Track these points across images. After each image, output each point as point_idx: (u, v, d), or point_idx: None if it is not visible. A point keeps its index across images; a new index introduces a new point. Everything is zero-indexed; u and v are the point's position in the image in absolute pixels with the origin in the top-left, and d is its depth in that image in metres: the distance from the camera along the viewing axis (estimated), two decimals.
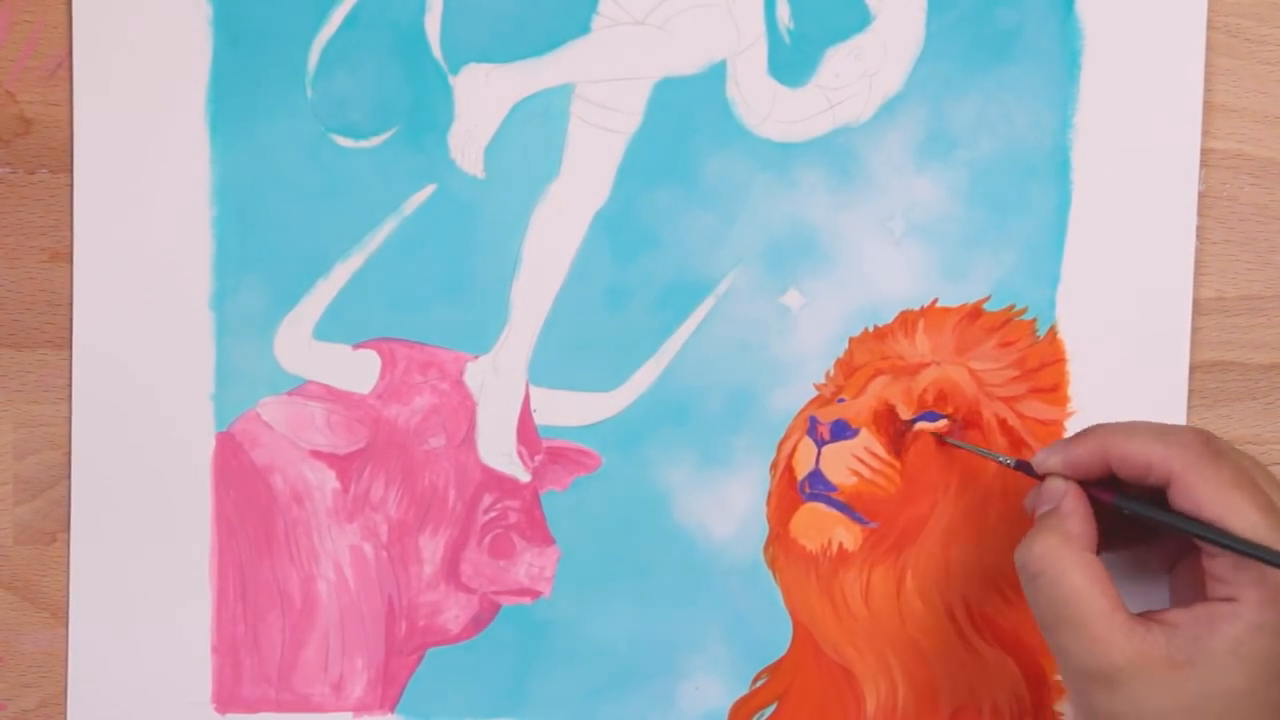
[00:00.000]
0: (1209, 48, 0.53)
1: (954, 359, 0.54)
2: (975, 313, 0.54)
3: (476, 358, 0.54)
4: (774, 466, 0.54)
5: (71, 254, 0.53)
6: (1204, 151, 0.54)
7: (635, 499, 0.54)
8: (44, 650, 0.54)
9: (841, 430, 0.54)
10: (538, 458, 0.54)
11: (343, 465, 0.54)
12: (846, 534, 0.54)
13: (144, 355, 0.53)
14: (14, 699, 0.54)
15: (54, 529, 0.54)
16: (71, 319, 0.54)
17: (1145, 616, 0.45)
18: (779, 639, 0.55)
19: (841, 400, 0.54)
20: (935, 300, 0.54)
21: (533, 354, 0.54)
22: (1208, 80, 0.54)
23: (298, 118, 0.53)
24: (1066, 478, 0.48)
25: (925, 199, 0.54)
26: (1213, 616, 0.44)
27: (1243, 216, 0.54)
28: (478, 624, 0.54)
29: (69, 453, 0.54)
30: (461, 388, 0.54)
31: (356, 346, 0.54)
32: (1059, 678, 0.54)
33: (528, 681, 0.54)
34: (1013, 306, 0.54)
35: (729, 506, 0.54)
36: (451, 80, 0.53)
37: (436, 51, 0.53)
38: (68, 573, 0.54)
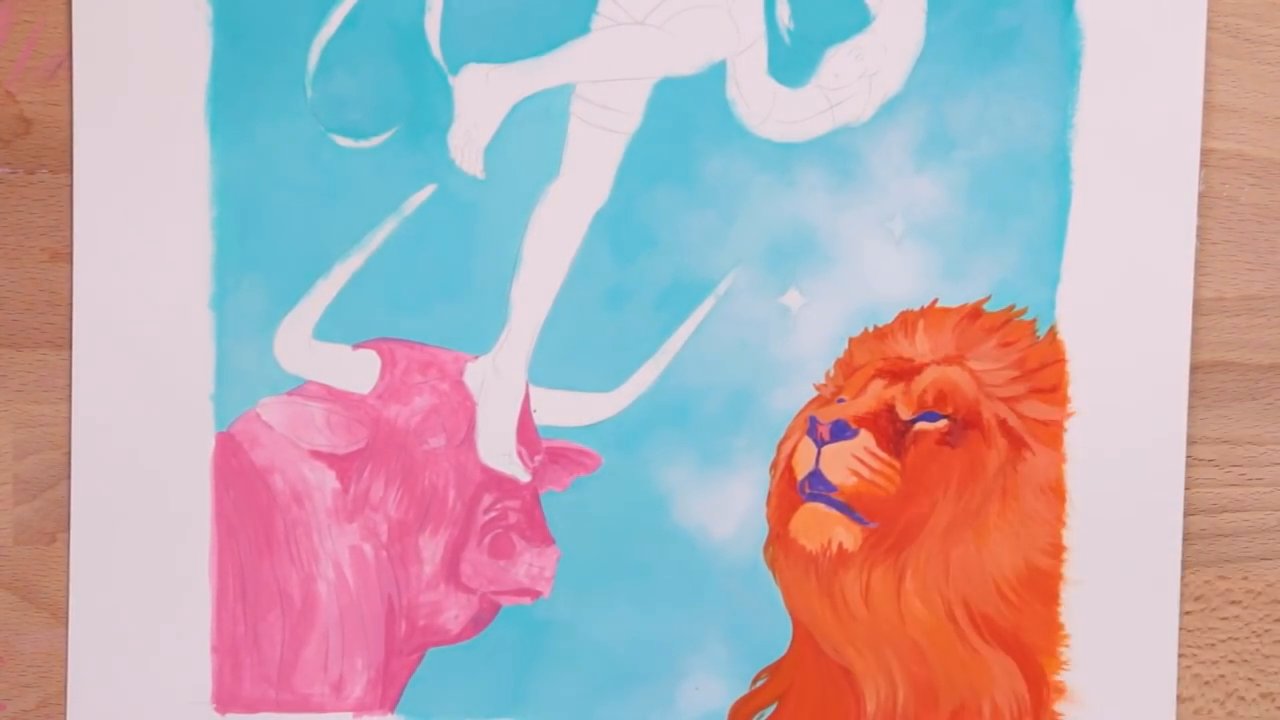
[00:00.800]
0: (1209, 48, 0.53)
1: (954, 359, 0.54)
2: (975, 313, 0.54)
3: (476, 358, 0.54)
4: (774, 467, 0.54)
5: (71, 254, 0.53)
6: (1204, 151, 0.54)
7: (635, 499, 0.54)
8: (44, 650, 0.54)
9: (841, 430, 0.54)
10: (538, 458, 0.54)
11: (343, 465, 0.54)
12: (846, 534, 0.54)
13: (144, 355, 0.53)
14: (14, 699, 0.54)
15: (54, 529, 0.54)
16: (71, 319, 0.54)
17: None
18: (779, 639, 0.55)
19: (841, 400, 0.54)
20: (935, 300, 0.54)
21: (533, 354, 0.54)
22: (1208, 80, 0.54)
23: (298, 118, 0.53)
24: None
25: (925, 199, 0.54)
26: None
27: (1243, 216, 0.54)
28: (478, 624, 0.54)
29: (69, 453, 0.54)
30: (461, 388, 0.54)
31: (356, 346, 0.54)
32: (1060, 678, 0.54)
33: (528, 682, 0.54)
34: (1013, 306, 0.54)
35: (729, 507, 0.54)
36: (451, 80, 0.53)
37: (436, 51, 0.53)
38: (68, 573, 0.54)
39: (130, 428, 0.54)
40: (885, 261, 0.54)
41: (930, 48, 0.53)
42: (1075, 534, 0.54)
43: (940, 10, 0.53)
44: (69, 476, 0.54)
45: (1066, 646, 0.54)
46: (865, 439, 0.54)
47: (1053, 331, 0.54)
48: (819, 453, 0.54)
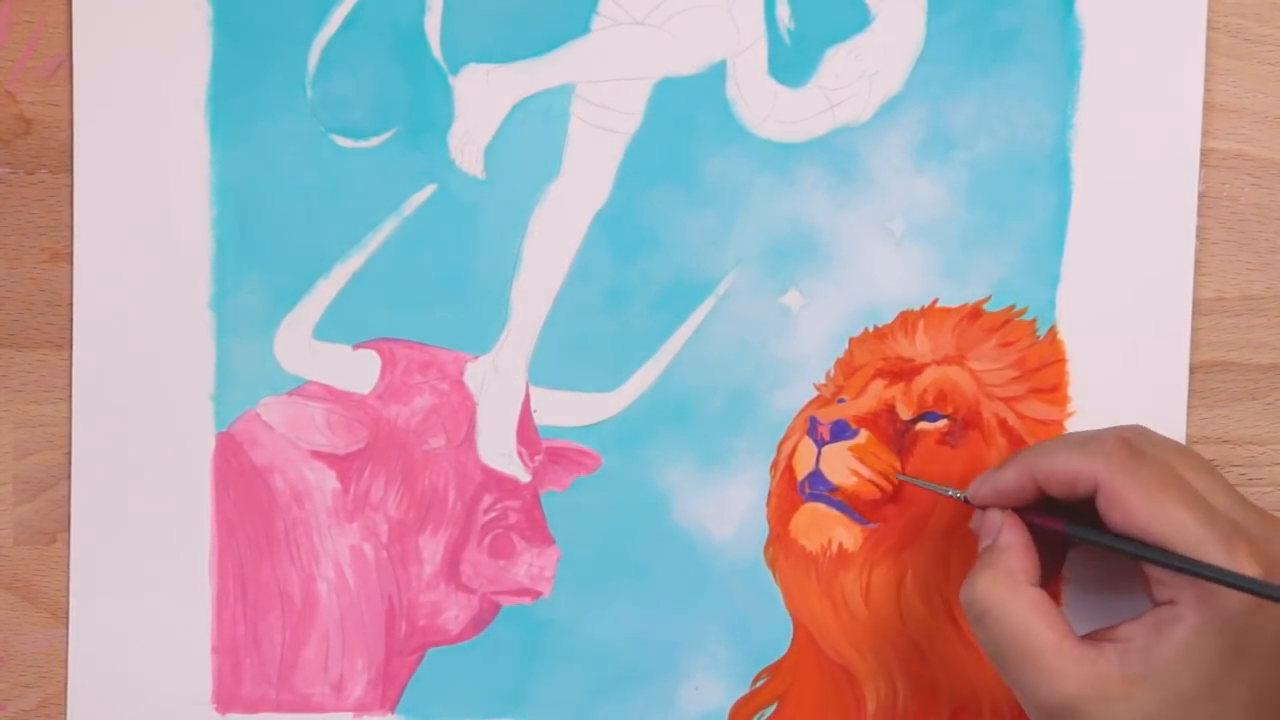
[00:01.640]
0: (1209, 48, 0.53)
1: (954, 359, 0.54)
2: (975, 313, 0.54)
3: (476, 358, 0.54)
4: (774, 467, 0.54)
5: (71, 254, 0.53)
6: (1204, 151, 0.54)
7: (635, 499, 0.54)
8: (44, 650, 0.54)
9: (841, 430, 0.54)
10: (538, 458, 0.54)
11: (343, 465, 0.54)
12: (846, 534, 0.54)
13: (144, 355, 0.53)
14: (14, 699, 0.54)
15: (54, 529, 0.54)
16: (71, 319, 0.54)
17: (1095, 637, 0.45)
18: (779, 639, 0.55)
19: (841, 400, 0.54)
20: (935, 300, 0.54)
21: (533, 354, 0.54)
22: (1208, 80, 0.54)
23: (298, 118, 0.53)
24: (1004, 508, 0.48)
25: (925, 199, 0.54)
26: (1159, 623, 0.44)
27: (1243, 216, 0.54)
28: (478, 624, 0.54)
29: (69, 453, 0.54)
30: (461, 388, 0.54)
31: (356, 347, 0.54)
32: None
33: (528, 682, 0.54)
34: (1013, 306, 0.54)
35: (729, 507, 0.54)
36: (451, 80, 0.53)
37: (436, 51, 0.53)
38: (68, 573, 0.54)
39: (130, 428, 0.54)
40: (885, 261, 0.54)
41: (930, 48, 0.53)
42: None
43: (940, 10, 0.53)
44: (69, 476, 0.54)
45: None
46: (865, 439, 0.54)
47: (1053, 331, 0.54)
48: (819, 453, 0.54)
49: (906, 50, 0.53)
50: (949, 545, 0.54)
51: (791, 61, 0.54)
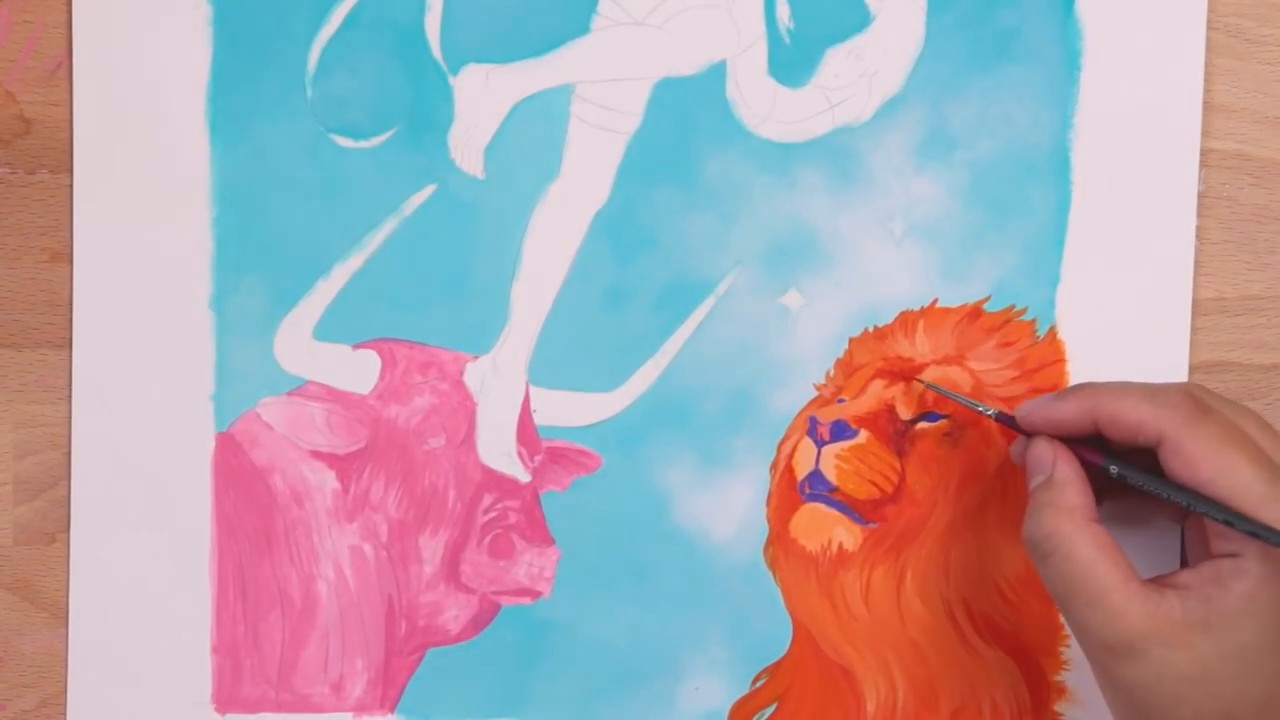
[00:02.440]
0: (1209, 48, 0.53)
1: (954, 359, 0.54)
2: (975, 313, 0.54)
3: (476, 358, 0.54)
4: (774, 467, 0.54)
5: (71, 254, 0.53)
6: (1204, 151, 0.54)
7: (635, 499, 0.54)
8: (44, 650, 0.54)
9: (841, 430, 0.54)
10: (538, 458, 0.54)
11: (343, 465, 0.54)
12: (846, 534, 0.54)
13: (144, 355, 0.53)
14: (14, 699, 0.54)
15: (54, 529, 0.54)
16: (71, 319, 0.54)
17: (1157, 581, 0.45)
18: (779, 639, 0.55)
19: (841, 400, 0.54)
20: (935, 300, 0.54)
21: (533, 354, 0.54)
22: (1208, 80, 0.54)
23: (298, 118, 0.53)
24: (1051, 437, 0.48)
25: (925, 199, 0.54)
26: (1220, 575, 0.44)
27: (1243, 216, 0.54)
28: (478, 624, 0.54)
29: (69, 453, 0.54)
30: (461, 388, 0.54)
31: (356, 347, 0.54)
32: (1060, 678, 0.54)
33: (528, 682, 0.54)
34: (1013, 307, 0.54)
35: (729, 507, 0.54)
36: (451, 80, 0.53)
37: (436, 52, 0.53)
38: (68, 573, 0.54)
39: (130, 427, 0.54)
40: (885, 262, 0.54)
41: (930, 48, 0.53)
42: None
43: (940, 10, 0.53)
44: (69, 476, 0.54)
45: (1066, 646, 0.54)
46: (865, 439, 0.54)
47: (1053, 331, 0.54)
48: (819, 453, 0.54)
49: (906, 50, 0.53)
50: (949, 545, 0.54)
51: (791, 62, 0.54)
